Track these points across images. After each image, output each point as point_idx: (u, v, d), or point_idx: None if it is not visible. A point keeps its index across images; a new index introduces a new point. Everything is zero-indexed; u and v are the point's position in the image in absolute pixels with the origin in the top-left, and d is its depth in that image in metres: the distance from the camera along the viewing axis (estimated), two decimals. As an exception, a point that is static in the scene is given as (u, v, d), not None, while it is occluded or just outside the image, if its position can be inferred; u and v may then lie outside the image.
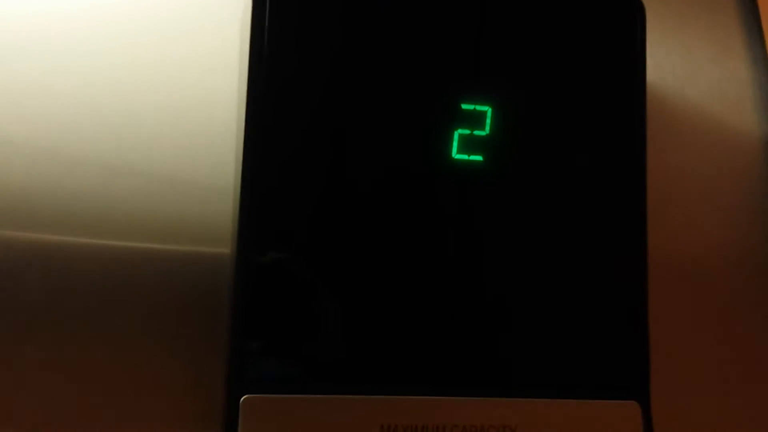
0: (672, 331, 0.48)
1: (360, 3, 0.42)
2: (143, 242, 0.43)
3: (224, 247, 0.44)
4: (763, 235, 0.52)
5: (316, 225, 0.41)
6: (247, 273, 0.39)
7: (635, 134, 0.44)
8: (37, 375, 0.41)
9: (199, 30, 0.46)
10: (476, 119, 0.42)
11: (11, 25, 0.44)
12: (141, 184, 0.44)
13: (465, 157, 0.42)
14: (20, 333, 0.41)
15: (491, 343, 0.41)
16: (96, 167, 0.44)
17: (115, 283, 0.43)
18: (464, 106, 0.42)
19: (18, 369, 0.41)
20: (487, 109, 0.42)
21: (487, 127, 0.42)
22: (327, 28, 0.42)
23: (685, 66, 0.52)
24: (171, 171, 0.44)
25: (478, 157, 0.42)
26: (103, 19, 0.45)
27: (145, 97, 0.45)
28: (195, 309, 0.43)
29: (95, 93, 0.44)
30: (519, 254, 0.42)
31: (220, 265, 0.44)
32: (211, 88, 0.46)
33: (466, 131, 0.42)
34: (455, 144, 0.42)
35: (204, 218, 0.44)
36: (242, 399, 0.38)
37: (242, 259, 0.39)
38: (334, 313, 0.40)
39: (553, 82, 0.44)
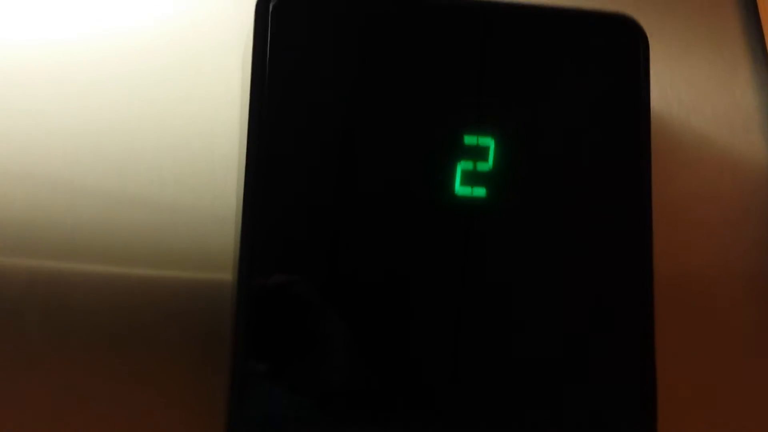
0: (680, 366, 0.48)
1: (362, 36, 0.42)
2: (146, 269, 0.43)
3: (227, 273, 0.44)
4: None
5: (317, 255, 0.40)
6: (248, 300, 0.39)
7: (640, 164, 0.44)
8: (37, 398, 0.41)
9: (200, 61, 0.47)
10: (479, 152, 0.42)
11: (18, 61, 0.45)
12: (143, 213, 0.44)
13: (468, 190, 0.41)
14: (22, 359, 0.41)
15: (497, 379, 0.41)
16: (99, 197, 0.44)
17: (117, 310, 0.43)
18: (467, 139, 0.42)
19: (20, 393, 0.41)
20: (490, 142, 0.42)
21: (491, 161, 0.42)
22: (328, 60, 0.41)
23: (690, 94, 0.52)
24: (173, 200, 0.44)
25: (482, 191, 0.41)
26: (105, 52, 0.46)
27: (147, 128, 0.45)
28: (197, 336, 0.43)
29: (98, 125, 0.45)
30: (523, 288, 0.42)
31: (222, 291, 0.44)
32: (212, 118, 0.46)
33: (469, 164, 0.41)
34: (458, 177, 0.41)
35: (206, 245, 0.44)
36: (243, 440, 0.37)
37: (244, 286, 0.39)
38: (337, 348, 0.40)
39: (556, 114, 0.43)
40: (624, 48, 0.45)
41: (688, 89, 0.52)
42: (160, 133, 0.45)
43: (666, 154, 0.50)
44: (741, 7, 0.54)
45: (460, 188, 0.41)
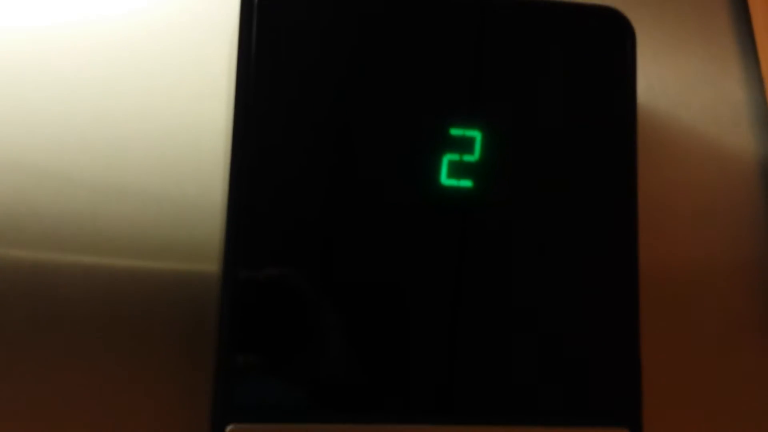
0: (665, 356, 0.48)
1: (348, 29, 0.42)
2: (132, 261, 0.44)
3: (212, 265, 0.44)
4: (759, 256, 0.51)
5: (303, 247, 0.40)
6: (233, 292, 0.39)
7: (626, 156, 0.44)
8: (19, 389, 0.42)
9: (186, 54, 0.47)
10: (466, 144, 0.42)
11: (0, 50, 0.45)
12: (129, 205, 0.44)
13: (454, 182, 0.42)
14: (5, 350, 0.42)
15: (483, 369, 0.41)
16: (85, 188, 0.44)
17: (102, 300, 0.43)
18: (453, 132, 0.42)
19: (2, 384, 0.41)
20: (477, 134, 0.42)
21: (477, 153, 0.42)
22: (315, 53, 0.41)
23: (678, 87, 0.52)
24: (159, 191, 0.45)
25: (468, 183, 0.42)
26: (91, 41, 0.46)
27: (134, 119, 0.45)
28: (183, 327, 0.44)
29: (84, 116, 0.45)
30: (509, 280, 0.42)
31: (208, 282, 0.44)
32: (199, 111, 0.46)
33: (456, 156, 0.42)
34: (444, 169, 0.41)
35: (192, 237, 0.44)
36: (227, 429, 0.37)
37: (229, 278, 0.39)
38: (323, 337, 0.40)
39: (542, 106, 0.43)
40: (610, 40, 0.45)
41: (676, 82, 0.52)
42: (146, 125, 0.45)
43: (653, 147, 0.50)
44: (731, 2, 0.54)
45: (446, 180, 0.41)
